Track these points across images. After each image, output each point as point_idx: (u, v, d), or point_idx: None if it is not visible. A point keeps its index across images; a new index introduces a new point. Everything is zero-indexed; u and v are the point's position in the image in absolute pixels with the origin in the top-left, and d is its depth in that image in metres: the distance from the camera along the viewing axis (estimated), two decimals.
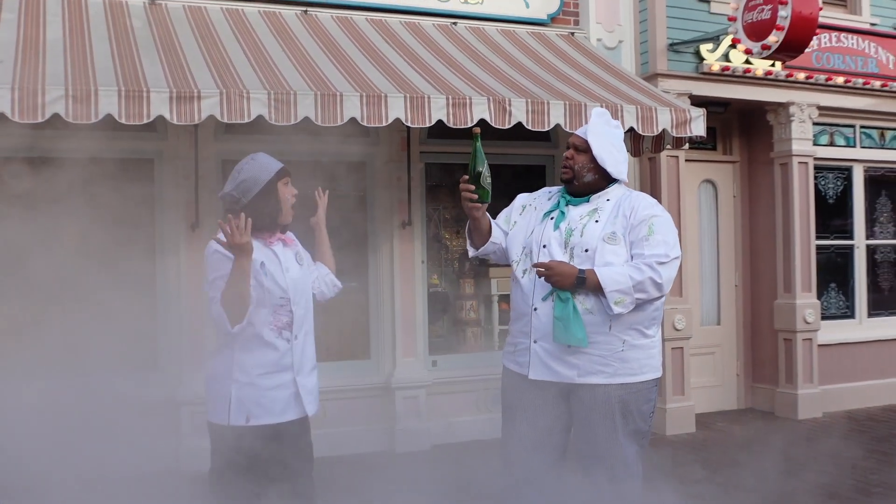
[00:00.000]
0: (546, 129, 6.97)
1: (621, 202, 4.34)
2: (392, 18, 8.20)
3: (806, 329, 9.58)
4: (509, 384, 4.43)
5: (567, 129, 6.96)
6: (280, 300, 4.07)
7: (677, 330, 8.86)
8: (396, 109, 6.51)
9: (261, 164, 4.17)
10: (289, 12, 7.84)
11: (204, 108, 6.08)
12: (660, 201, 8.68)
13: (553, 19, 8.87)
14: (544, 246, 4.27)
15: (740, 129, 10.21)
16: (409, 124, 6.59)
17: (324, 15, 7.95)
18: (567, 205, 4.36)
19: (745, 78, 9.26)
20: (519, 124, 6.86)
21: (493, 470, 7.19)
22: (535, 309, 4.22)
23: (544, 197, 4.55)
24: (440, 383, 8.31)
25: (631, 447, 4.31)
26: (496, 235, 4.49)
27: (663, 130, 7.37)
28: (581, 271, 4.14)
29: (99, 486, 6.38)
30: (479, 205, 4.26)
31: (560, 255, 4.21)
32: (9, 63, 6.18)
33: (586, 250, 4.20)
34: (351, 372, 8.11)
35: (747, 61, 9.18)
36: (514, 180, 8.63)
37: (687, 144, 8.17)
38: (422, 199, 8.38)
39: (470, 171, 4.21)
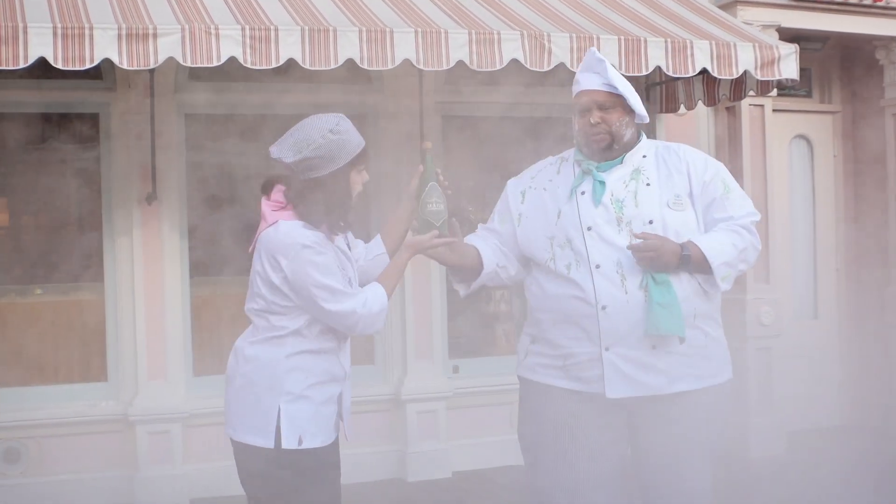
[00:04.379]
0: None
1: (660, 155, 4.38)
2: None
3: None
4: (557, 409, 4.31)
5: (622, 72, 6.88)
6: None
7: (763, 325, 8.81)
8: (405, 48, 6.45)
9: (346, 138, 4.11)
10: None
11: (161, 48, 6.03)
12: (741, 162, 8.76)
13: None
14: (589, 228, 4.19)
15: (842, 70, 10.12)
16: (421, 67, 6.55)
17: None
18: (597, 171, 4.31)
19: (849, 6, 9.16)
20: (561, 66, 6.75)
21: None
22: (604, 308, 4.12)
23: (549, 171, 4.49)
24: (463, 394, 8.30)
25: (709, 473, 4.34)
26: (490, 259, 4.45)
27: (745, 72, 7.29)
28: (683, 247, 4.14)
29: None
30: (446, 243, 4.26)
31: (615, 236, 4.17)
32: None
33: (651, 222, 4.18)
34: (353, 379, 8.06)
35: None
36: (555, 138, 8.57)
37: (775, 90, 8.11)
38: (439, 160, 8.30)
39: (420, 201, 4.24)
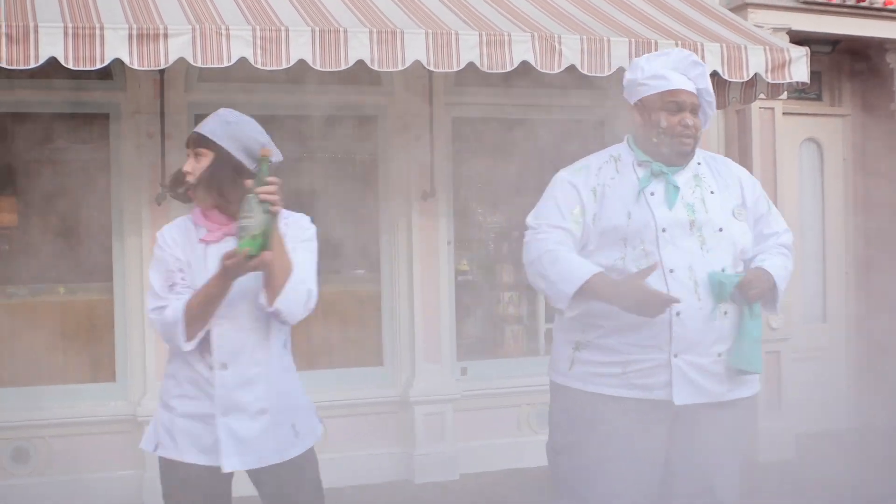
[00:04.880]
0: (606, 73, 6.88)
1: (710, 165, 4.34)
2: None
3: None
4: (610, 418, 4.14)
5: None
6: None
7: (772, 329, 8.77)
8: (416, 49, 6.44)
9: None
10: None
11: (172, 48, 6.04)
12: (750, 165, 8.74)
13: None
14: (663, 230, 4.08)
15: (852, 73, 10.08)
16: (431, 68, 6.53)
17: None
18: (660, 174, 4.22)
19: (859, 9, 9.14)
20: (571, 68, 6.77)
21: None
22: (678, 314, 4.01)
23: (609, 169, 4.29)
24: (471, 396, 8.27)
25: (737, 483, 4.32)
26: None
27: (755, 75, 7.26)
28: (773, 279, 4.21)
29: None
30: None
31: (686, 240, 4.09)
32: None
33: (720, 230, 4.14)
34: (358, 382, 8.09)
35: None
36: (565, 140, 8.56)
37: (785, 93, 8.08)
38: (448, 163, 8.33)
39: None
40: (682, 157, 4.20)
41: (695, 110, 4.21)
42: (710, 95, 4.29)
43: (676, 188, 4.15)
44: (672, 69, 4.23)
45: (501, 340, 8.72)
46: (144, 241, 7.47)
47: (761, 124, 8.90)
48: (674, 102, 4.16)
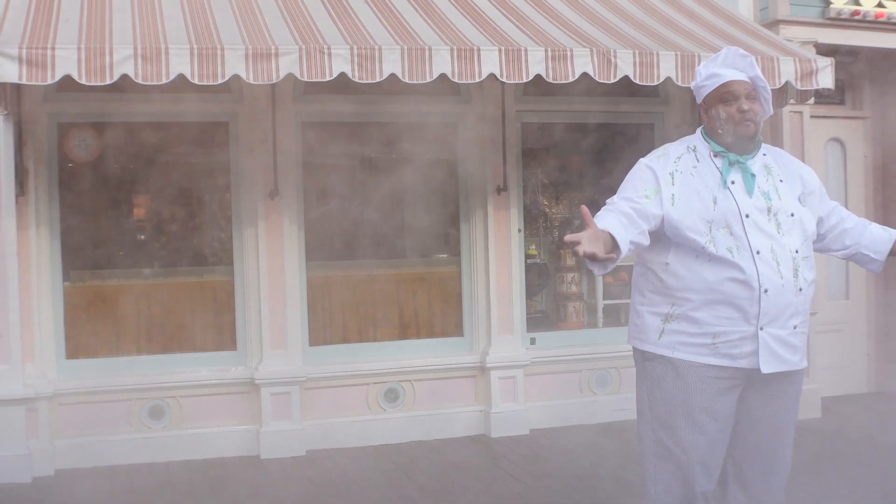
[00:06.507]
0: (655, 82, 6.85)
1: (773, 156, 4.23)
2: None
3: None
4: (698, 383, 4.07)
5: (678, 83, 6.85)
6: None
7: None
8: (490, 64, 6.46)
9: None
10: None
11: (282, 65, 6.12)
12: None
13: None
14: (747, 216, 3.99)
15: (871, 80, 9.91)
16: (504, 80, 6.54)
17: None
18: (736, 164, 4.12)
19: (878, 24, 8.97)
20: (625, 78, 6.76)
21: (596, 456, 7.18)
22: (766, 291, 3.94)
23: (690, 158, 4.16)
24: (539, 363, 8.26)
25: (791, 447, 4.28)
26: (625, 240, 3.85)
27: (786, 83, 7.19)
28: None
29: None
30: None
31: (766, 224, 4.00)
32: (74, 21, 6.27)
33: (792, 215, 4.05)
34: (442, 350, 8.12)
35: (879, 4, 8.92)
36: (618, 141, 8.53)
37: (812, 98, 7.98)
38: (518, 162, 8.30)
39: None
40: (747, 142, 4.09)
41: (750, 96, 4.07)
42: (762, 80, 4.14)
43: (753, 176, 4.06)
44: (722, 66, 4.13)
45: (565, 315, 8.70)
46: (260, 231, 7.54)
47: (791, 126, 8.76)
48: (728, 93, 4.06)
